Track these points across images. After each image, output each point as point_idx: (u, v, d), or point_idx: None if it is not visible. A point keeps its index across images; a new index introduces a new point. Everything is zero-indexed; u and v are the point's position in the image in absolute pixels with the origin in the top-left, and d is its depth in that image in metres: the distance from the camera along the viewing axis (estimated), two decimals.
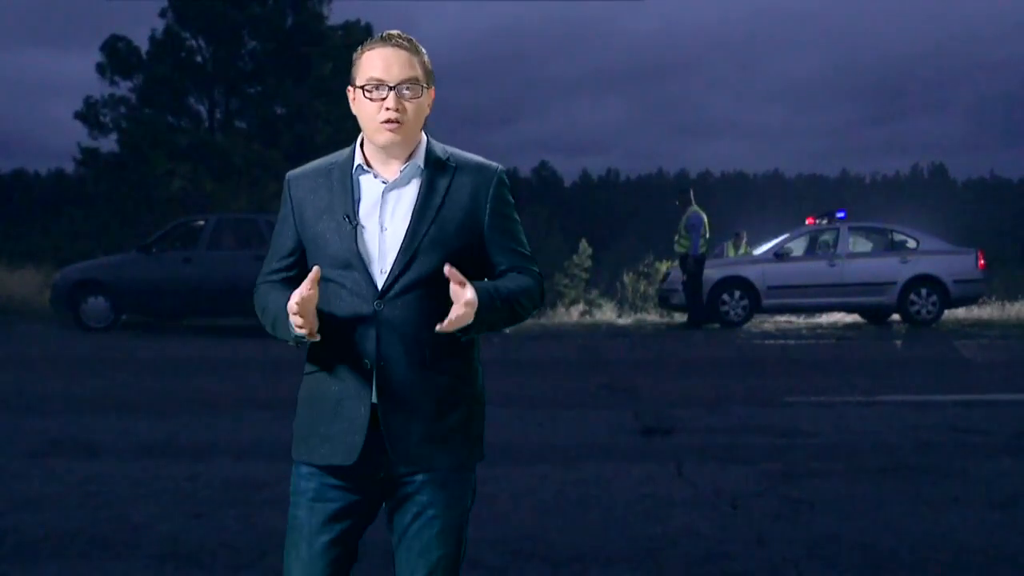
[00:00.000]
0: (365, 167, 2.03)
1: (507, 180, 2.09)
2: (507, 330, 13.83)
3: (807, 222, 15.62)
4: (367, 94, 1.98)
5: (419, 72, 2.00)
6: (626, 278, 21.24)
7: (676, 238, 14.24)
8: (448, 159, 2.05)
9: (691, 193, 14.49)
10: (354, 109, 2.04)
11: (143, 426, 6.61)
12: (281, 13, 25.36)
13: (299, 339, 1.96)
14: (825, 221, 15.12)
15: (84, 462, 5.51)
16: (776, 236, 15.32)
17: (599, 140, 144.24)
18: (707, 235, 13.96)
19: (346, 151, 2.09)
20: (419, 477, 2.03)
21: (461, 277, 1.90)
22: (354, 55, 2.04)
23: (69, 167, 28.89)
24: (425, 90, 2.01)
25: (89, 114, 24.96)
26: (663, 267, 20.04)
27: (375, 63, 1.98)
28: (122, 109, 25.24)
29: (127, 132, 24.40)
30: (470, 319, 1.92)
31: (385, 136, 1.98)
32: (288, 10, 25.45)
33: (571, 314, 19.60)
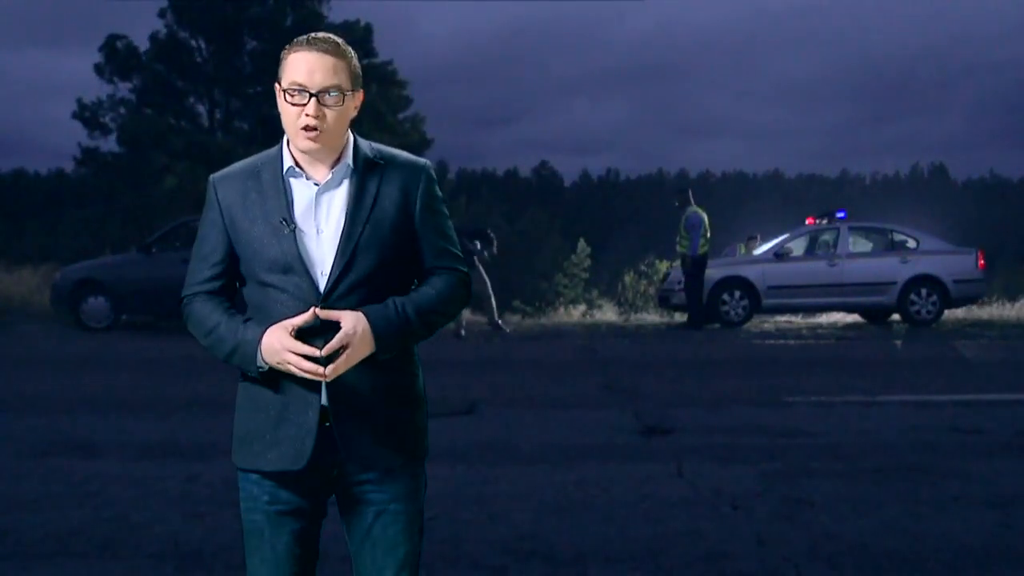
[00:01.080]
0: (296, 169, 2.01)
1: (435, 175, 2.09)
2: (507, 329, 13.82)
3: (807, 222, 15.61)
4: (289, 98, 1.96)
5: (343, 78, 1.97)
6: (627, 278, 21.23)
7: (678, 239, 14.25)
8: (376, 157, 2.04)
9: (690, 193, 14.47)
10: (279, 109, 2.01)
11: (143, 426, 6.61)
12: (281, 13, 25.38)
13: (260, 369, 1.97)
14: (825, 221, 15.12)
15: (84, 462, 5.51)
16: (776, 236, 15.32)
17: (599, 140, 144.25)
18: (708, 235, 13.94)
19: (272, 151, 2.06)
20: (372, 475, 2.03)
21: (335, 314, 1.92)
22: (281, 53, 2.01)
23: (69, 167, 28.94)
24: (349, 96, 1.99)
25: (87, 114, 24.97)
26: (663, 266, 20.03)
27: (299, 67, 1.95)
28: (122, 110, 25.27)
29: (126, 130, 24.41)
30: (358, 347, 1.92)
31: (304, 143, 1.97)
32: (288, 10, 25.47)
33: (571, 314, 19.63)
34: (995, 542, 4.10)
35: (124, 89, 25.51)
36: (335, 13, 26.72)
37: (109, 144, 25.31)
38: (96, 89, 27.22)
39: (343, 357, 1.91)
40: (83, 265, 14.41)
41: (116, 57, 25.23)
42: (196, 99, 26.70)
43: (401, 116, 26.98)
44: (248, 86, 26.00)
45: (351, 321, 1.92)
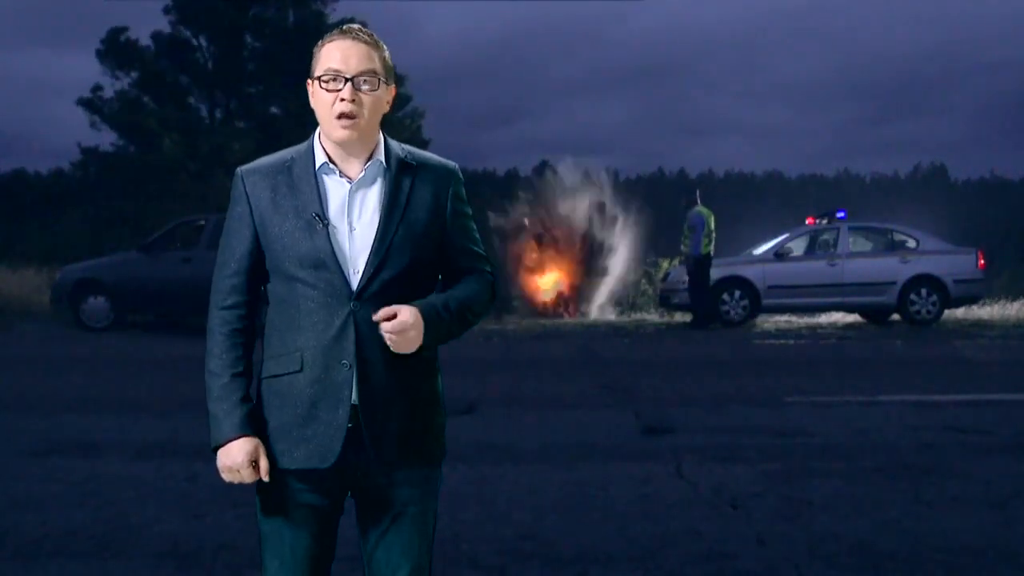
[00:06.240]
0: (330, 165, 2.01)
1: (462, 177, 2.11)
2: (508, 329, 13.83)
3: (807, 222, 15.62)
4: (323, 84, 1.96)
5: (378, 66, 1.98)
6: (634, 275, 21.17)
7: (682, 238, 14.34)
8: (408, 158, 2.05)
9: (697, 194, 14.53)
10: (313, 103, 2.01)
11: (143, 426, 6.61)
12: (283, 14, 25.38)
13: (214, 447, 2.00)
14: (825, 221, 15.13)
15: (84, 462, 5.51)
16: (776, 236, 15.32)
17: (599, 140, 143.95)
18: (713, 235, 13.94)
19: (301, 147, 2.06)
20: (395, 476, 2.03)
21: (392, 309, 1.93)
22: (314, 49, 2.02)
23: (68, 167, 28.94)
24: (384, 85, 2.00)
25: (91, 100, 24.97)
26: (664, 265, 20.01)
27: (333, 55, 1.97)
28: (125, 105, 25.25)
29: (128, 121, 24.41)
30: (413, 339, 1.94)
31: (340, 132, 1.96)
32: (289, 10, 25.48)
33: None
34: (995, 542, 4.10)
35: (125, 83, 25.54)
36: (336, 13, 26.65)
37: (109, 137, 25.40)
38: (100, 85, 27.11)
39: (395, 340, 1.92)
40: (83, 265, 14.42)
41: (118, 52, 25.22)
42: (197, 98, 26.71)
43: (400, 113, 26.95)
44: (249, 86, 26.00)
45: (408, 313, 1.93)
